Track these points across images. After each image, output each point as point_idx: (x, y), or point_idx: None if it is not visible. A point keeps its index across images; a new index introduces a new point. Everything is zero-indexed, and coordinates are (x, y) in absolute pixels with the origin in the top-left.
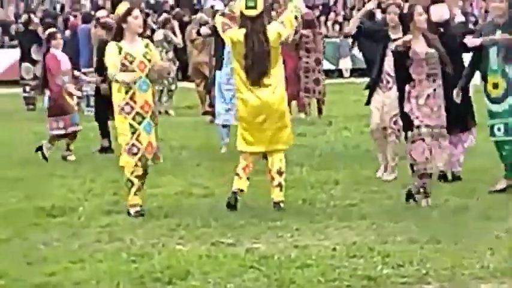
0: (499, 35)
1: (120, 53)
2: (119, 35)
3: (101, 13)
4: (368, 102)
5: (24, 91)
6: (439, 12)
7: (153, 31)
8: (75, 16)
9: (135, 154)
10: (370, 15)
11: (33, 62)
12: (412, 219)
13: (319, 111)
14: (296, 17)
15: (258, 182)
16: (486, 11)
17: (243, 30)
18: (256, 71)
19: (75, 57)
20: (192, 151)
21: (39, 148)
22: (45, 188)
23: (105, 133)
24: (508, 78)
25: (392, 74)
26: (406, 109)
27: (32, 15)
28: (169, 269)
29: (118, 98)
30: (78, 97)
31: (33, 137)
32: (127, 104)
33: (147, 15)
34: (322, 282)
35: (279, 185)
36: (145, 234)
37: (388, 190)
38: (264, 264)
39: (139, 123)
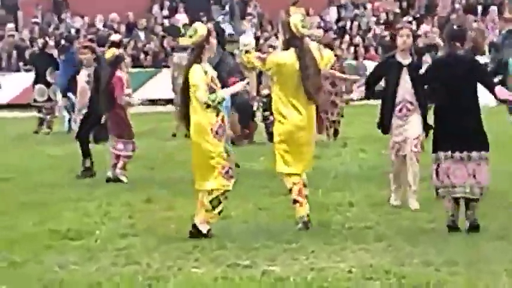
0: None
1: (205, 75)
2: (199, 57)
3: (115, 37)
4: (380, 127)
5: (39, 112)
6: None
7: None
8: (91, 40)
9: (232, 177)
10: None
11: (48, 85)
12: (428, 241)
13: (335, 133)
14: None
15: (273, 203)
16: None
17: (292, 51)
18: (312, 86)
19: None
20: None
21: (117, 179)
22: (61, 212)
23: (87, 153)
24: None
25: (412, 99)
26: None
27: (47, 39)
28: None
29: (212, 121)
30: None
31: (47, 161)
32: (220, 126)
33: (163, 37)
34: None
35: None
36: (162, 257)
37: (404, 212)
38: (279, 287)
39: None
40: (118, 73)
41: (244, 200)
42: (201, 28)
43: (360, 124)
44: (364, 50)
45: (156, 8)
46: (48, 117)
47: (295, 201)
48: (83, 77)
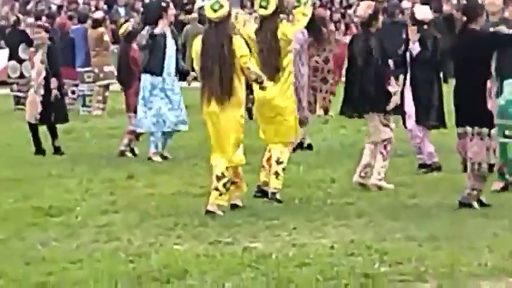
0: None
1: None
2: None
3: (98, 14)
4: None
5: (12, 90)
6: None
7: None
8: (70, 17)
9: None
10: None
11: (20, 61)
12: (409, 217)
13: (326, 110)
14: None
15: (255, 180)
16: None
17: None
18: (268, 67)
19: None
20: (189, 150)
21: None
22: (42, 188)
23: (55, 134)
24: None
25: None
26: (489, 106)
27: (21, 16)
28: (167, 268)
29: (243, 96)
30: (73, 98)
31: (28, 137)
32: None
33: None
34: (320, 280)
35: (275, 173)
36: (143, 234)
37: (386, 188)
38: (262, 263)
39: None
40: (134, 47)
41: None
42: (226, 3)
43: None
44: (345, 28)
45: None
46: (22, 94)
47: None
48: (38, 57)
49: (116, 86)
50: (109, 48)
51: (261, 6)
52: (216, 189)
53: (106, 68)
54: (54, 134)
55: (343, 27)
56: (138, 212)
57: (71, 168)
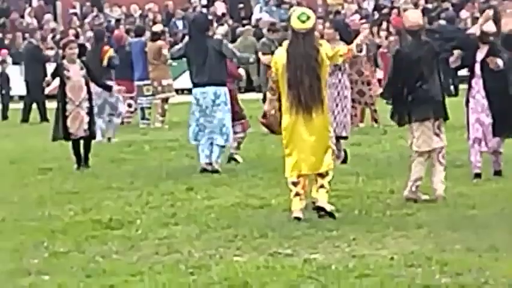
0: None
1: None
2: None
3: (157, 27)
4: None
5: None
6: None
7: None
8: (127, 31)
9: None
10: None
11: None
12: (469, 227)
13: (375, 120)
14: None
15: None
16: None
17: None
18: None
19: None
20: (247, 162)
21: (233, 159)
22: (102, 201)
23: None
24: None
25: None
26: None
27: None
28: (227, 280)
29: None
30: (130, 111)
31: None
32: None
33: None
34: None
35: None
36: (203, 246)
37: (445, 199)
38: (322, 275)
39: None
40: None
41: (285, 188)
42: (312, 14)
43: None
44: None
45: None
46: None
47: None
48: (78, 71)
49: (174, 99)
50: (167, 61)
51: (298, 19)
52: (322, 186)
53: (164, 82)
54: (90, 148)
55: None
56: (197, 224)
57: (131, 181)
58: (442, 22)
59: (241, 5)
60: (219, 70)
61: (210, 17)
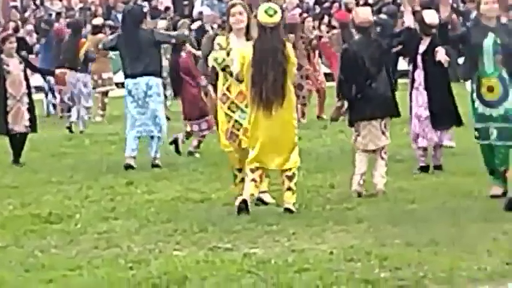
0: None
1: None
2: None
3: (97, 21)
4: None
5: None
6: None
7: None
8: (68, 25)
9: (234, 141)
10: None
11: None
12: (409, 221)
13: (303, 114)
14: None
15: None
16: None
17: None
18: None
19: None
20: (188, 156)
21: (174, 141)
22: (42, 195)
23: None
24: (505, 83)
25: None
26: None
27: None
28: (167, 274)
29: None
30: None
31: (28, 143)
32: (224, 94)
33: None
34: (319, 286)
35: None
36: (143, 240)
37: (385, 193)
38: (261, 269)
39: (234, 112)
40: (183, 55)
41: (225, 182)
42: (279, 8)
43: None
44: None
45: None
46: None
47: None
48: (17, 65)
49: (114, 93)
50: (108, 54)
51: (266, 13)
52: (289, 188)
53: (104, 75)
54: (24, 144)
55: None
56: (137, 218)
57: (71, 175)
58: (383, 16)
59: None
60: (152, 61)
61: (145, 10)
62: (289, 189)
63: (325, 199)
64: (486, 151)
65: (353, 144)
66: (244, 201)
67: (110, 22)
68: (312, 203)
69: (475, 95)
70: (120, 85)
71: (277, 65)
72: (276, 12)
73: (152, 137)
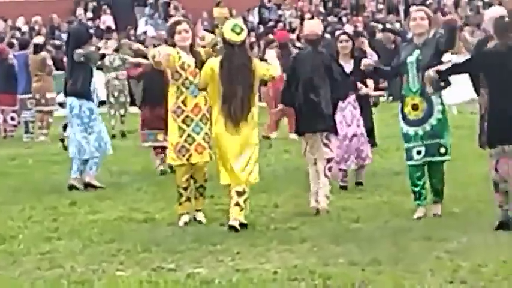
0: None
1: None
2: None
3: (38, 39)
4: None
5: None
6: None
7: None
8: (11, 44)
9: (184, 155)
10: None
11: None
12: (353, 241)
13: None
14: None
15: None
16: None
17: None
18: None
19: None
20: (132, 176)
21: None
22: None
23: None
24: (430, 100)
25: None
26: None
27: None
28: None
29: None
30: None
31: None
32: (178, 107)
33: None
34: None
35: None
36: (86, 261)
37: (329, 212)
38: None
39: (188, 126)
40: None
41: (170, 202)
42: (244, 27)
43: (284, 125)
44: None
45: (80, 10)
46: None
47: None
48: None
49: (58, 113)
50: (51, 73)
51: (233, 31)
52: (237, 204)
53: (48, 95)
54: None
55: None
56: (80, 238)
57: (13, 195)
58: (327, 36)
59: (126, 17)
60: (76, 82)
61: (91, 31)
62: (237, 204)
63: (269, 218)
64: (414, 172)
65: (303, 156)
66: (231, 226)
67: (56, 42)
68: (256, 222)
69: (400, 115)
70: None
71: (245, 82)
72: (242, 29)
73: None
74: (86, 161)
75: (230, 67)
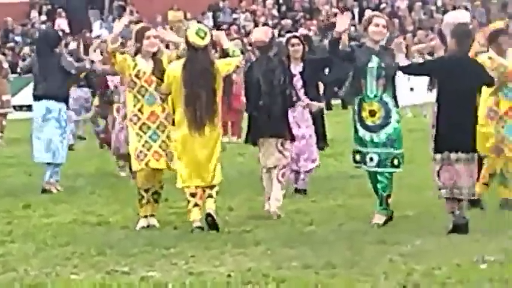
0: None
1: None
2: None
3: None
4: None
5: None
6: None
7: None
8: None
9: (142, 160)
10: None
11: None
12: (307, 244)
13: None
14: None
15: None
16: None
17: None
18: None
19: None
20: (86, 178)
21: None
22: None
23: None
24: (387, 107)
25: None
26: None
27: None
28: None
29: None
30: None
31: None
32: (135, 115)
33: None
34: None
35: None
36: (40, 264)
37: (282, 216)
38: None
39: (145, 133)
40: None
41: (124, 205)
42: (208, 30)
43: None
44: None
45: (34, 13)
46: None
47: None
48: None
49: (13, 115)
50: (7, 76)
51: (197, 35)
52: (211, 196)
53: (4, 97)
54: None
55: None
56: (35, 241)
57: None
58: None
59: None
60: (58, 85)
61: (60, 34)
62: (210, 196)
63: (224, 222)
64: (372, 177)
65: (258, 163)
66: (199, 228)
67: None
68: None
69: (356, 117)
70: (18, 107)
71: (208, 85)
72: (206, 34)
73: (49, 163)
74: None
75: (192, 70)
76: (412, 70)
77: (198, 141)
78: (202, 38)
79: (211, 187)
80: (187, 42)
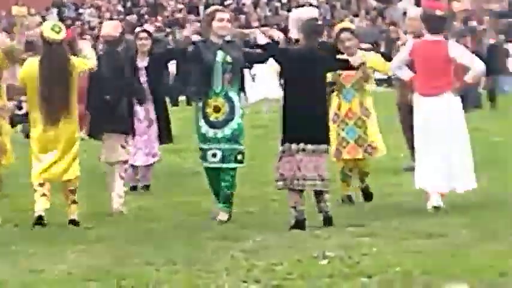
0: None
1: None
2: None
3: None
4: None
5: None
6: None
7: None
8: None
9: None
10: None
11: None
12: (148, 241)
13: None
14: None
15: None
16: None
17: None
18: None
19: None
20: None
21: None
22: None
23: None
24: (232, 103)
25: None
26: None
27: None
28: None
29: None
30: None
31: None
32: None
33: None
34: None
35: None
36: None
37: (125, 213)
38: None
39: None
40: None
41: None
42: (63, 27)
43: None
44: None
45: None
46: None
47: None
48: None
49: None
50: None
51: (52, 30)
52: (74, 202)
53: None
54: None
55: None
56: None
57: None
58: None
59: None
60: None
61: None
62: (74, 202)
63: (65, 218)
64: (210, 174)
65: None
66: (41, 217)
67: None
68: (51, 222)
69: (200, 113)
70: None
71: (63, 81)
72: (61, 29)
73: None
74: None
75: (48, 67)
76: (256, 58)
77: (53, 137)
78: (58, 33)
79: (72, 192)
80: (42, 37)
